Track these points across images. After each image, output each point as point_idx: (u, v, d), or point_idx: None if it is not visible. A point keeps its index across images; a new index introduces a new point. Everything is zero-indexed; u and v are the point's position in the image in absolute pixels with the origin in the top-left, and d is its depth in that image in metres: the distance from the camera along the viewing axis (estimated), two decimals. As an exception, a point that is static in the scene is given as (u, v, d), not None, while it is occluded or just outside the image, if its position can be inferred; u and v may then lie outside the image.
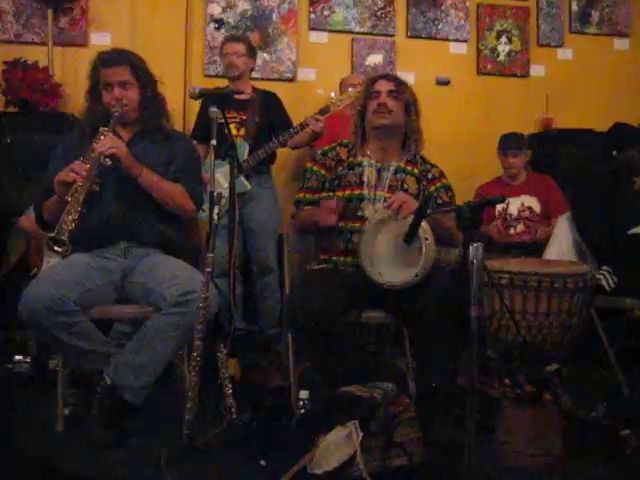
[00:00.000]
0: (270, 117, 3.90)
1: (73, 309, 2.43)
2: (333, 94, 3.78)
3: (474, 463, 2.05)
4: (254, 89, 3.96)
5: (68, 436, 2.55)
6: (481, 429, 2.13)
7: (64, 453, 2.41)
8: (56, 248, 2.41)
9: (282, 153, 4.01)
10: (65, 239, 2.40)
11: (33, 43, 4.21)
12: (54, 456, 2.38)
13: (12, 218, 3.67)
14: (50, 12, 4.08)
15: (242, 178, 3.67)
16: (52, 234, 2.41)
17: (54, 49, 4.12)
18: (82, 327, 2.48)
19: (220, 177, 3.50)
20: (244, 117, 3.85)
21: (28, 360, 3.36)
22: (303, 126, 3.72)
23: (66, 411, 2.64)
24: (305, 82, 4.56)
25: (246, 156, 3.73)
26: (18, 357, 3.38)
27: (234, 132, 3.75)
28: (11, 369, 3.33)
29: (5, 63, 3.93)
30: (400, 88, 2.78)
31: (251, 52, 3.91)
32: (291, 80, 4.51)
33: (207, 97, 2.75)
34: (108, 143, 2.57)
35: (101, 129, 2.64)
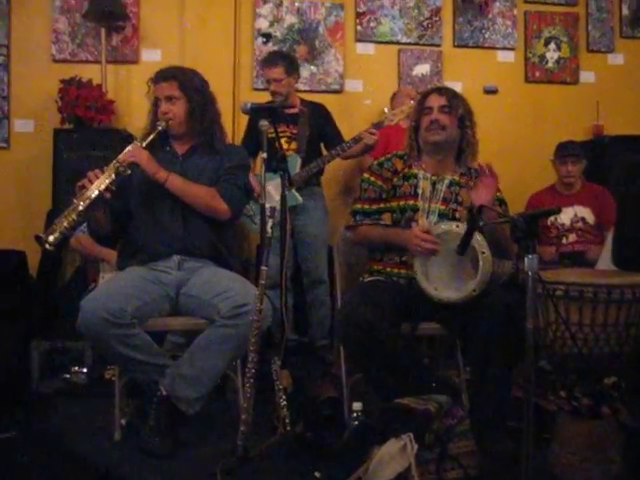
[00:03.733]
0: (320, 129, 3.92)
1: (129, 321, 2.47)
2: (386, 109, 3.79)
3: (530, 477, 2.03)
4: (302, 101, 3.98)
5: (125, 445, 2.60)
6: (537, 442, 2.11)
7: (121, 462, 2.45)
8: (47, 247, 2.48)
9: (331, 165, 4.02)
10: (51, 241, 2.46)
11: (87, 61, 4.32)
12: (111, 465, 2.42)
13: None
14: (103, 31, 4.18)
15: (294, 191, 3.70)
16: (41, 234, 2.49)
17: (107, 67, 4.22)
18: (138, 339, 2.52)
19: (271, 190, 3.54)
20: (294, 131, 3.87)
21: (84, 371, 3.44)
22: (356, 140, 3.73)
23: (123, 421, 2.69)
24: (352, 94, 4.57)
25: (298, 169, 3.76)
26: (75, 368, 3.47)
27: (285, 146, 3.79)
28: (68, 379, 3.42)
29: (61, 82, 4.04)
30: (453, 102, 2.74)
31: (291, 69, 3.85)
32: (338, 92, 4.54)
33: (256, 112, 2.78)
34: (129, 153, 2.65)
35: (134, 141, 2.74)
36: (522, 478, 2.02)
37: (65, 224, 2.49)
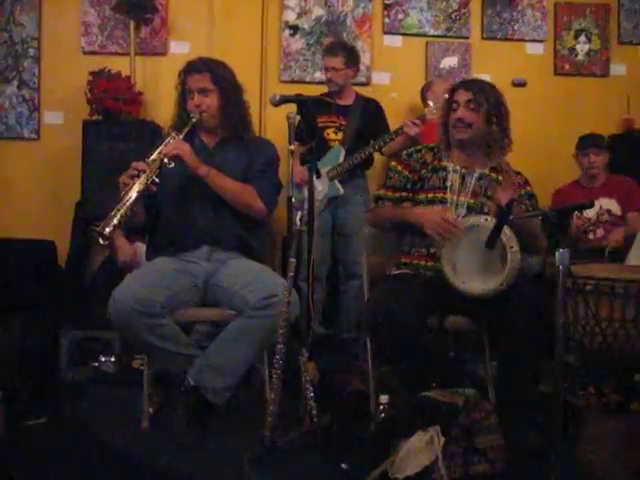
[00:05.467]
0: (370, 124, 3.91)
1: (159, 311, 2.50)
2: (431, 103, 3.75)
3: (557, 473, 2.02)
4: (357, 95, 3.98)
5: (152, 434, 2.63)
6: (565, 438, 2.10)
7: (149, 451, 2.47)
8: (100, 241, 2.47)
9: (378, 159, 4.01)
10: (107, 233, 2.45)
11: (116, 53, 4.35)
12: (139, 453, 2.45)
13: (97, 222, 3.81)
14: (132, 23, 4.21)
15: (336, 182, 3.70)
16: (97, 228, 2.47)
17: (135, 59, 4.25)
18: (167, 329, 2.55)
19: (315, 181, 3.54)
20: (344, 122, 3.88)
21: (113, 359, 3.49)
22: (398, 132, 3.72)
23: (151, 410, 2.71)
24: (379, 86, 4.54)
25: (341, 160, 3.76)
26: (103, 357, 3.51)
27: (332, 136, 3.82)
28: (97, 368, 3.46)
29: (90, 73, 4.07)
30: (479, 97, 2.69)
31: (351, 61, 3.87)
32: (365, 84, 4.51)
33: (285, 104, 2.78)
34: (172, 146, 2.65)
35: (172, 133, 2.72)
36: (549, 474, 2.02)
37: (118, 216, 2.48)
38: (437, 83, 4.22)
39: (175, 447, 2.47)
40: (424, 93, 4.16)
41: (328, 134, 3.88)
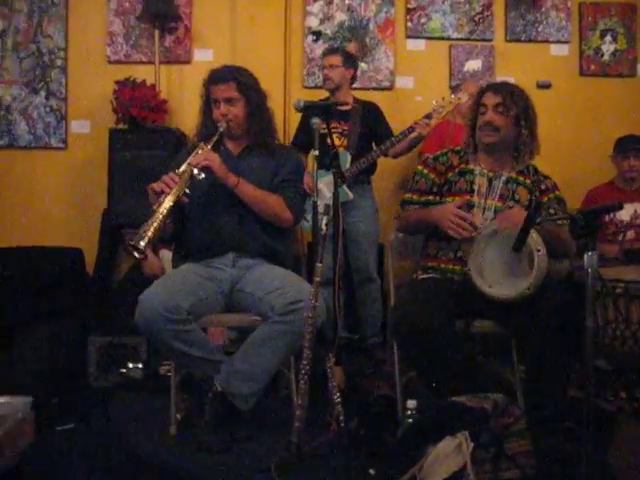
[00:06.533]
0: (371, 127, 3.93)
1: (185, 317, 2.51)
2: (434, 101, 3.75)
3: (588, 479, 1.99)
4: (355, 100, 3.99)
5: (180, 440, 2.63)
6: (595, 444, 2.06)
7: (176, 457, 2.48)
8: (135, 254, 2.47)
9: (382, 163, 4.01)
10: (142, 247, 2.45)
11: (141, 62, 4.40)
12: (166, 459, 2.46)
13: (124, 229, 3.85)
14: (157, 32, 4.25)
15: (345, 188, 3.71)
16: (132, 241, 2.47)
17: (160, 67, 4.29)
18: (193, 335, 2.56)
19: (323, 187, 3.55)
20: (345, 127, 3.89)
21: (140, 366, 3.51)
22: (409, 131, 3.72)
23: (178, 416, 2.72)
24: (403, 90, 4.54)
25: (348, 165, 3.77)
26: (130, 363, 3.54)
27: (336, 142, 3.80)
28: (125, 374, 3.49)
29: (116, 82, 4.11)
30: (508, 101, 2.67)
31: (349, 62, 3.93)
32: (389, 89, 4.51)
33: (310, 109, 2.78)
34: (201, 157, 2.65)
35: (200, 144, 2.73)
36: (580, 480, 1.99)
37: (152, 230, 2.48)
38: (465, 84, 4.20)
39: (203, 452, 2.48)
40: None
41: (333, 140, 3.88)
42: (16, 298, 3.48)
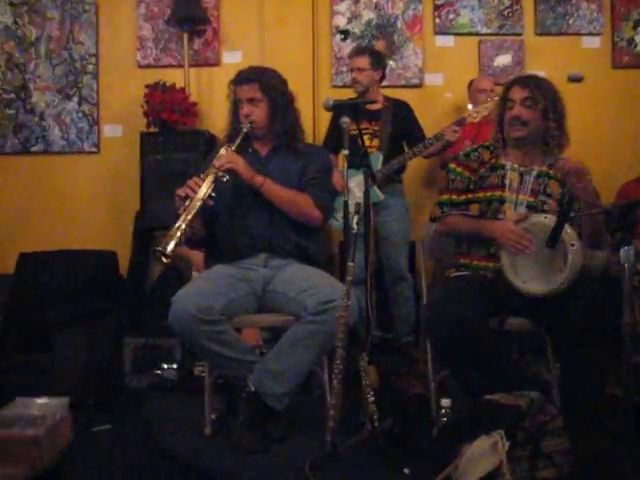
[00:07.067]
0: (402, 127, 3.90)
1: (218, 318, 2.52)
2: (470, 106, 3.74)
3: (628, 478, 1.96)
4: (385, 98, 3.97)
5: (215, 440, 2.64)
6: (635, 442, 2.03)
7: (211, 457, 2.49)
8: (163, 260, 2.48)
9: (412, 161, 4.00)
10: (169, 252, 2.46)
11: (170, 66, 4.45)
12: (202, 459, 2.47)
13: (156, 232, 3.89)
14: (185, 36, 4.29)
15: (375, 188, 3.70)
16: (158, 247, 2.48)
17: (189, 70, 4.32)
18: (226, 335, 2.57)
19: (354, 187, 3.54)
20: (376, 128, 3.87)
21: (174, 367, 3.54)
22: (438, 138, 3.72)
23: (213, 416, 2.73)
24: (432, 87, 4.51)
25: (380, 166, 3.76)
26: (165, 364, 3.57)
27: (367, 143, 3.80)
28: (159, 375, 3.52)
29: (146, 86, 4.16)
30: (536, 94, 2.64)
31: (377, 63, 3.89)
32: (418, 86, 4.49)
33: (339, 108, 2.78)
34: (224, 159, 2.66)
35: (225, 146, 2.75)
36: (619, 479, 1.96)
37: (178, 234, 2.49)
38: (475, 80, 4.19)
39: (237, 452, 2.48)
40: (468, 91, 4.15)
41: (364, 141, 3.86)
42: (52, 301, 3.54)
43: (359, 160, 2.61)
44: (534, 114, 2.66)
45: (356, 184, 3.55)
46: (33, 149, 4.48)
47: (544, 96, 2.65)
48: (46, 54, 4.47)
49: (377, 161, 3.74)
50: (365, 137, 3.77)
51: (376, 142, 3.86)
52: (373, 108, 3.83)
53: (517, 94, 2.68)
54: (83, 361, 3.34)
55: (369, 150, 3.75)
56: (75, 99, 4.48)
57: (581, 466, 2.18)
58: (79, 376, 3.26)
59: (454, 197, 2.78)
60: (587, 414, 2.37)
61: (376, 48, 4.13)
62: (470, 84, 4.21)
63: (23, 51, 4.47)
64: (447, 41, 4.55)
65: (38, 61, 4.47)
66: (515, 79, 2.80)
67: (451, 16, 4.53)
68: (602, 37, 4.61)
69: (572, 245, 2.34)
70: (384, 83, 4.09)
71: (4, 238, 4.39)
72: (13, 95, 4.47)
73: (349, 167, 2.64)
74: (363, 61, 3.86)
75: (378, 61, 3.91)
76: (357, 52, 3.94)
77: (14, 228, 4.43)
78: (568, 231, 2.34)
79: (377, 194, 3.72)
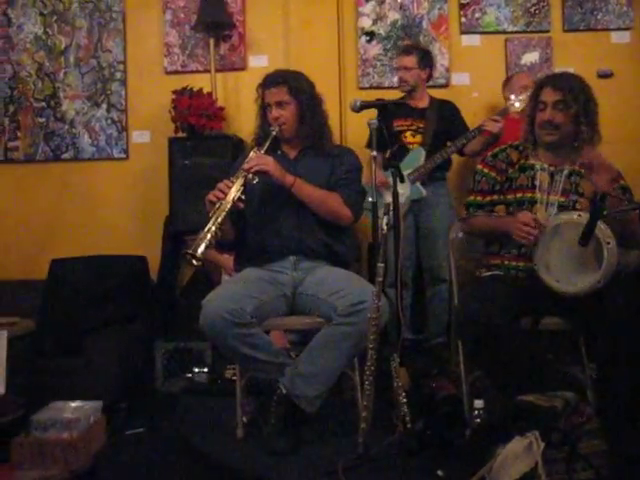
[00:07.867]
0: (448, 126, 3.87)
1: (249, 321, 2.53)
2: (512, 96, 3.69)
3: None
4: (432, 98, 3.96)
5: (247, 443, 2.66)
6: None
7: (244, 459, 2.50)
8: (193, 262, 2.50)
9: (456, 160, 3.97)
10: (199, 255, 2.48)
11: (197, 71, 4.46)
12: (234, 462, 2.48)
13: (185, 236, 3.91)
14: (212, 41, 4.31)
15: (418, 184, 3.68)
16: (188, 250, 2.50)
17: (216, 75, 4.34)
18: (257, 338, 2.58)
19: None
20: (421, 125, 3.86)
21: (205, 370, 3.56)
22: (479, 130, 3.67)
23: (244, 419, 2.75)
24: (459, 87, 4.47)
25: (422, 162, 3.74)
26: (196, 368, 3.59)
27: (409, 139, 3.80)
28: (191, 379, 3.54)
29: (174, 92, 4.19)
30: (568, 97, 2.59)
31: (424, 62, 3.87)
32: (445, 86, 4.45)
33: (366, 108, 2.77)
34: (254, 161, 2.67)
35: (254, 149, 2.77)
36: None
37: (209, 237, 2.51)
38: (515, 77, 4.14)
39: (269, 455, 2.49)
40: (504, 88, 4.10)
41: (405, 137, 3.85)
42: (84, 306, 3.58)
43: (387, 160, 2.60)
44: (566, 118, 2.62)
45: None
46: (64, 156, 4.54)
47: (576, 99, 2.60)
48: (75, 63, 4.53)
49: (419, 157, 3.72)
50: (408, 133, 3.79)
51: (419, 138, 3.84)
52: (419, 106, 3.84)
53: (549, 96, 2.64)
54: (115, 365, 3.37)
55: (412, 146, 3.75)
56: (104, 106, 4.52)
57: (618, 468, 2.14)
58: (112, 380, 3.29)
59: (479, 199, 2.76)
60: (624, 415, 2.33)
61: (422, 47, 4.06)
62: (506, 81, 4.14)
63: (53, 60, 4.53)
64: (473, 40, 4.50)
65: (67, 70, 4.53)
66: (547, 79, 2.75)
67: (477, 15, 4.50)
68: (632, 32, 4.53)
69: (607, 243, 2.31)
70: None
71: (36, 244, 4.45)
72: (44, 104, 4.53)
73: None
74: (410, 60, 3.84)
75: (426, 60, 3.89)
76: (404, 51, 3.92)
77: (46, 234, 4.49)
78: (602, 228, 2.30)
79: (420, 190, 3.70)
